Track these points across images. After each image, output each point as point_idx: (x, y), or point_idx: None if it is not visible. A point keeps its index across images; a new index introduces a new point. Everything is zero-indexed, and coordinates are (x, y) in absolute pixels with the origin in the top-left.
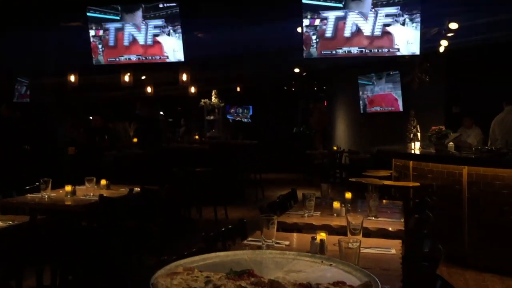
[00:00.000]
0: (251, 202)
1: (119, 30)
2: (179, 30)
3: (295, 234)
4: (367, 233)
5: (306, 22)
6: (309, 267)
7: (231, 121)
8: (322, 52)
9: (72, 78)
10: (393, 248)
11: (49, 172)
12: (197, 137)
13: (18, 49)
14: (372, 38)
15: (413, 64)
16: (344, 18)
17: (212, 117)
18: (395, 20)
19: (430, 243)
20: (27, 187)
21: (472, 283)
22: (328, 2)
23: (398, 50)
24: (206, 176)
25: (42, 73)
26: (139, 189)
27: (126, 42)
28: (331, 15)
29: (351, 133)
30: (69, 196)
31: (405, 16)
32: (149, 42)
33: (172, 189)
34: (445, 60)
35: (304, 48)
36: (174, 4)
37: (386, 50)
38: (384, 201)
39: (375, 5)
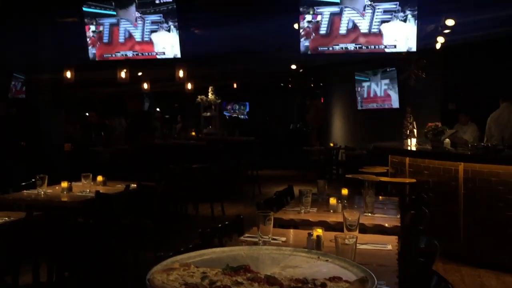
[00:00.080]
0: (248, 199)
1: (115, 26)
2: (176, 26)
3: (291, 230)
4: (364, 229)
5: (302, 18)
6: (306, 263)
7: (227, 117)
8: (319, 49)
9: (68, 74)
10: (389, 244)
11: (45, 168)
12: (193, 133)
13: (14, 45)
14: (368, 34)
15: (409, 60)
16: (340, 14)
17: (208, 114)
18: (394, 16)
19: (426, 239)
20: (23, 184)
21: (467, 278)
22: None
23: (395, 46)
24: (202, 172)
25: (37, 69)
26: (135, 185)
27: (121, 38)
28: (327, 11)
29: (347, 129)
30: (65, 192)
31: (402, 12)
32: (146, 38)
33: (168, 185)
34: (441, 57)
35: (301, 44)
36: (171, 0)
37: (382, 46)
38: (380, 197)
39: (373, 0)
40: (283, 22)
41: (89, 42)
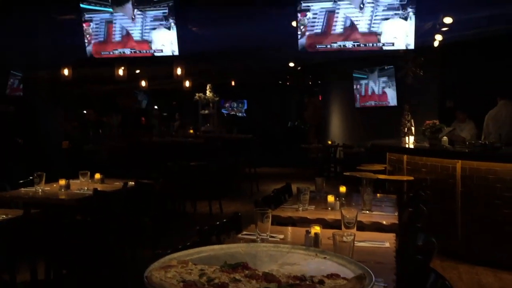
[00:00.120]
0: (246, 196)
1: (111, 23)
2: (174, 24)
3: (289, 228)
4: (361, 227)
5: (300, 15)
6: (303, 260)
7: (225, 115)
8: (317, 46)
9: (66, 71)
10: (387, 241)
11: (43, 166)
12: (191, 131)
13: (11, 43)
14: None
15: (407, 58)
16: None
17: (206, 111)
18: (394, 14)
19: (423, 237)
20: (21, 181)
21: (465, 276)
22: None
23: (393, 44)
24: (200, 170)
25: (35, 66)
26: (133, 183)
27: (118, 35)
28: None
29: (345, 127)
30: (63, 190)
31: (403, 10)
32: (144, 35)
33: (166, 183)
34: (439, 55)
35: (299, 42)
36: None
37: (380, 44)
38: (378, 195)
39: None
40: (281, 19)
41: (86, 39)
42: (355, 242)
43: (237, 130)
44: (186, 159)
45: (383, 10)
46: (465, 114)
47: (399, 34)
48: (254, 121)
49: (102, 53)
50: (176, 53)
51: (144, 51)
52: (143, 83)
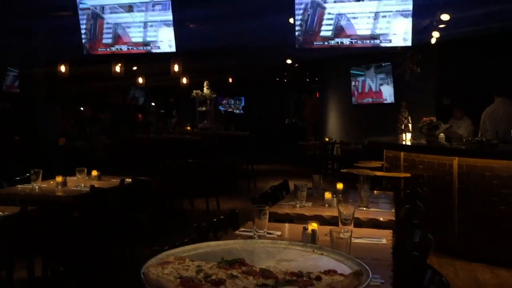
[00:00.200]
0: (243, 193)
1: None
2: (171, 20)
3: (286, 225)
4: (358, 223)
5: (298, 12)
6: (301, 256)
7: (223, 112)
8: (314, 43)
9: (63, 68)
10: (384, 238)
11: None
12: (189, 128)
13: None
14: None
15: (404, 55)
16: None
17: (204, 108)
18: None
19: (420, 233)
20: (18, 178)
21: (461, 272)
22: None
23: (390, 41)
24: (198, 167)
25: (32, 63)
26: (130, 180)
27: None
28: None
29: (343, 124)
30: (59, 187)
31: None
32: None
33: (164, 180)
34: (436, 52)
35: (296, 39)
36: None
37: (378, 41)
38: (375, 191)
39: None
40: (279, 16)
41: (83, 35)
42: (352, 239)
43: (234, 127)
44: (184, 156)
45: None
46: (462, 111)
47: (396, 31)
48: (251, 118)
49: (99, 49)
50: (174, 49)
51: (142, 48)
52: (140, 80)
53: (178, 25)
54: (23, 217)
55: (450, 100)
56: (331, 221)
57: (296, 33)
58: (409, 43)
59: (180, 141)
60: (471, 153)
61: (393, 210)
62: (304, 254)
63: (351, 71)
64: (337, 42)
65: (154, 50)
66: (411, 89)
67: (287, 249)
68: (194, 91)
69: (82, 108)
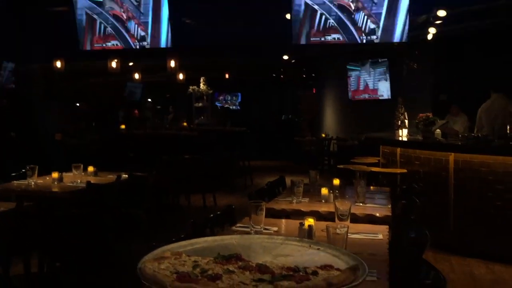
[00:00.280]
0: (240, 189)
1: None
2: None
3: (283, 220)
4: (355, 219)
5: (295, 8)
6: (297, 251)
7: (219, 108)
8: (311, 39)
9: (58, 64)
10: (380, 233)
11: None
12: (185, 124)
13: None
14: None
15: (401, 51)
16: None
17: (200, 104)
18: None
19: (416, 229)
20: (13, 174)
21: (457, 267)
22: None
23: (387, 37)
24: (194, 163)
25: (27, 59)
26: (127, 176)
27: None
28: None
29: (339, 120)
30: (56, 182)
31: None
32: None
33: (160, 176)
34: (433, 48)
35: (293, 35)
36: None
37: (375, 37)
38: (371, 187)
39: None
40: (276, 12)
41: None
42: (349, 234)
43: (231, 123)
44: (180, 152)
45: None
46: (458, 107)
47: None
48: (248, 114)
49: (95, 45)
50: (170, 45)
51: (138, 43)
52: (137, 76)
53: (175, 20)
54: (19, 213)
55: (447, 96)
56: (328, 217)
57: (293, 29)
58: (405, 39)
59: (177, 137)
60: (467, 149)
61: (389, 206)
62: (301, 249)
63: (347, 67)
64: (334, 38)
65: (150, 46)
66: (407, 85)
67: (284, 244)
68: (191, 87)
69: (78, 104)
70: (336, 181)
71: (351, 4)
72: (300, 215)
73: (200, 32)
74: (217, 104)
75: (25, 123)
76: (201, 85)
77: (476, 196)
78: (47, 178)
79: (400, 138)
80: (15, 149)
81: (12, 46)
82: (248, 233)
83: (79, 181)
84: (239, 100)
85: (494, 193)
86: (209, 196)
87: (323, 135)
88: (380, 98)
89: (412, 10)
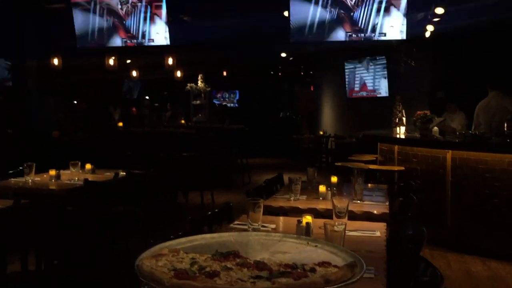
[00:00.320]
0: (238, 187)
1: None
2: (165, 14)
3: (281, 218)
4: (353, 216)
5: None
6: (295, 248)
7: (217, 105)
8: (308, 36)
9: (56, 61)
10: (377, 230)
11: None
12: (183, 121)
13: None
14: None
15: (399, 49)
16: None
17: (198, 102)
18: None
19: (414, 226)
20: (11, 171)
21: (454, 264)
22: None
23: (385, 35)
24: (192, 160)
25: (24, 55)
26: (124, 173)
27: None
28: None
29: (337, 118)
30: (53, 180)
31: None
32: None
33: (158, 173)
34: (430, 45)
35: (291, 32)
36: None
37: (373, 35)
38: (369, 185)
39: None
40: (273, 9)
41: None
42: (346, 232)
43: (229, 120)
44: (178, 149)
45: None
46: (456, 105)
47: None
48: (246, 111)
49: (92, 42)
50: (168, 43)
51: (136, 40)
52: (134, 73)
53: (172, 17)
54: (16, 211)
55: (444, 93)
56: (325, 214)
57: (291, 26)
58: (403, 36)
59: (175, 134)
60: (464, 146)
61: (387, 203)
62: (299, 246)
63: (345, 65)
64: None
65: (148, 43)
66: (405, 83)
67: (282, 241)
68: (189, 84)
69: (75, 101)
70: (334, 179)
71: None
72: (298, 212)
73: (198, 29)
74: (215, 101)
75: (22, 120)
76: (199, 83)
77: (473, 194)
78: (45, 175)
79: (398, 136)
80: (12, 146)
81: (8, 43)
82: (246, 230)
83: (76, 178)
84: (237, 97)
85: (491, 190)
86: (207, 193)
87: (321, 133)
88: (378, 95)
89: (410, 8)
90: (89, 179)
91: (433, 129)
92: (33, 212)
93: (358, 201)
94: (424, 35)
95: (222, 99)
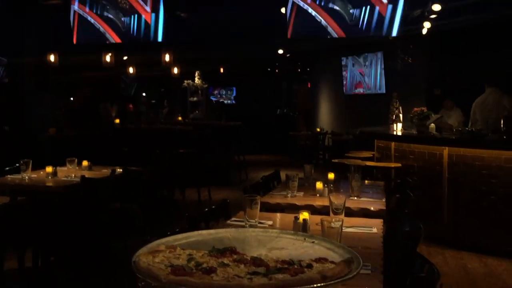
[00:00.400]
0: (235, 184)
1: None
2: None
3: (278, 214)
4: (349, 213)
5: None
6: (292, 245)
7: (214, 102)
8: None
9: (52, 58)
10: (374, 227)
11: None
12: (180, 118)
13: None
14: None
15: (396, 45)
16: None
17: (195, 99)
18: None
19: (410, 222)
20: (7, 168)
21: (451, 261)
22: None
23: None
24: (189, 157)
25: (21, 52)
26: (121, 170)
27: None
28: None
29: (334, 114)
30: (50, 177)
31: None
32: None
33: (155, 170)
34: (427, 42)
35: (288, 29)
36: None
37: (370, 31)
38: (366, 181)
39: None
40: (270, 6)
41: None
42: (343, 228)
43: (226, 117)
44: (175, 146)
45: None
46: (453, 101)
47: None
48: (243, 108)
49: (88, 38)
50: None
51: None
52: (131, 70)
53: (169, 14)
54: (13, 208)
55: (441, 90)
56: (322, 211)
57: (288, 23)
58: (400, 33)
59: (172, 131)
60: (461, 143)
61: (383, 200)
62: (295, 243)
63: (342, 62)
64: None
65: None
66: (402, 80)
67: (279, 238)
68: (186, 81)
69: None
70: (331, 175)
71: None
72: (295, 209)
73: (195, 26)
74: (212, 98)
75: (19, 117)
76: (196, 79)
77: (469, 190)
78: (41, 172)
79: (395, 132)
80: (9, 143)
81: (4, 40)
82: (243, 227)
83: (73, 175)
84: (234, 94)
85: (487, 187)
86: (204, 190)
87: (318, 130)
88: (375, 92)
89: (407, 4)
90: (86, 175)
91: (430, 126)
92: (30, 209)
93: (355, 198)
94: (421, 32)
95: (219, 96)
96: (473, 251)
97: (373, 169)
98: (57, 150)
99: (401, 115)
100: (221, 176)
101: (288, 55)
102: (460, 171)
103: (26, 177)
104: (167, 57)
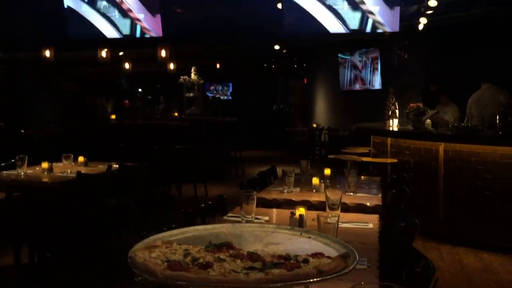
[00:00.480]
0: (231, 179)
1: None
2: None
3: (274, 210)
4: (346, 208)
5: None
6: (288, 240)
7: (210, 98)
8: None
9: (47, 53)
10: (370, 222)
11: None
12: (176, 114)
13: None
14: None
15: (392, 41)
16: None
17: (191, 94)
18: None
19: (406, 218)
20: (3, 164)
21: (446, 256)
22: None
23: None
24: (185, 153)
25: (16, 48)
26: (117, 166)
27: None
28: None
29: (330, 110)
30: (45, 173)
31: None
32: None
33: (151, 166)
34: (423, 38)
35: (284, 24)
36: None
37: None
38: (362, 177)
39: None
40: (266, 1)
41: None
42: (340, 224)
43: (222, 113)
44: (171, 142)
45: None
46: (449, 97)
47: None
48: (239, 104)
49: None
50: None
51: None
52: (127, 65)
53: (165, 9)
54: (9, 204)
55: (437, 86)
56: (319, 206)
57: (284, 18)
58: (396, 29)
59: (168, 127)
60: (457, 139)
61: (379, 195)
62: (292, 238)
63: (339, 57)
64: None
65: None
66: (398, 76)
67: (275, 233)
68: (182, 77)
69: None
70: (327, 171)
71: None
72: (291, 204)
73: (191, 22)
74: (208, 94)
75: (15, 112)
76: (192, 75)
77: (465, 186)
78: (37, 168)
79: (391, 128)
80: (4, 139)
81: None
82: (239, 222)
83: (69, 171)
84: (230, 90)
85: (483, 182)
86: (200, 186)
87: (314, 125)
88: (371, 88)
89: (403, 0)
90: (82, 171)
91: (426, 122)
92: (26, 205)
93: (351, 193)
94: (418, 27)
95: (215, 92)
96: (468, 246)
97: (369, 165)
98: (53, 145)
99: (397, 111)
100: (217, 172)
101: (284, 51)
102: (456, 167)
103: (22, 173)
104: (163, 53)
